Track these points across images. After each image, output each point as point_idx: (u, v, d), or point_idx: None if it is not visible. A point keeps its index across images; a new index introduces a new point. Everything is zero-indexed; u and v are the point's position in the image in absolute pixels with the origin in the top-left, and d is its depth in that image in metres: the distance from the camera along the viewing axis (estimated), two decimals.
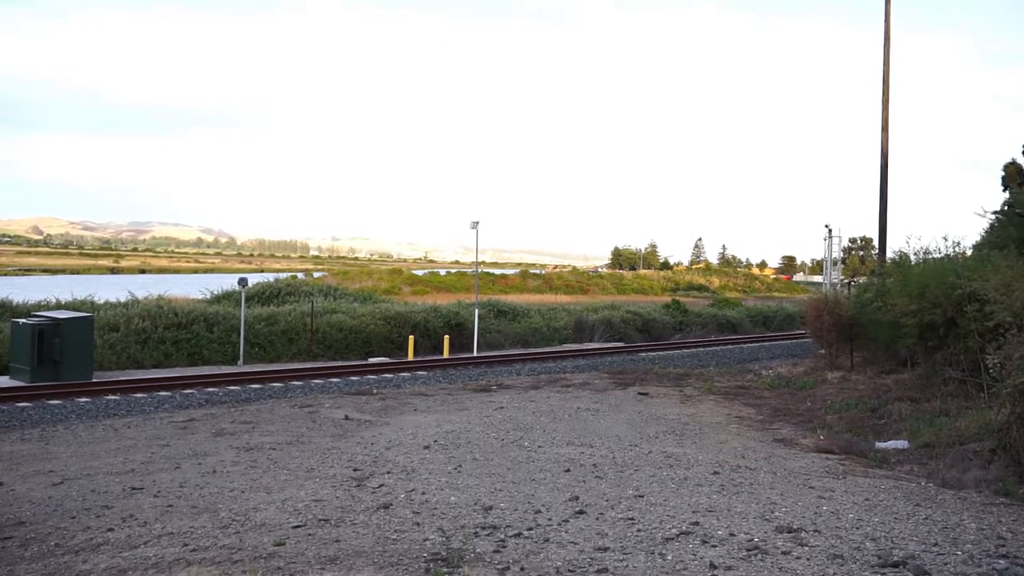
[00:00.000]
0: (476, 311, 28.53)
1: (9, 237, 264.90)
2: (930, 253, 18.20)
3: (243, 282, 25.41)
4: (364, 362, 23.20)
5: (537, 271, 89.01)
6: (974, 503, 8.01)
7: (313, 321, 25.57)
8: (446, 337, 26.94)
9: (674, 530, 6.60)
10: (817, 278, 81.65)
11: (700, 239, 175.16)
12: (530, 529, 6.62)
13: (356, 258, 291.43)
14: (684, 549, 6.09)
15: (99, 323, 21.35)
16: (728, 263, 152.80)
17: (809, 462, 10.16)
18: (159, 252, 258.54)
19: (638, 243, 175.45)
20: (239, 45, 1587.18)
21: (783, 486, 8.51)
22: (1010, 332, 9.87)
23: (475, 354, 26.03)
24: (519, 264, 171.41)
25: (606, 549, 6.07)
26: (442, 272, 77.64)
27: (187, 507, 7.38)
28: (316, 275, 66.75)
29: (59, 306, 23.66)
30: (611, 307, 39.24)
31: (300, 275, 63.29)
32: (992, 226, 19.41)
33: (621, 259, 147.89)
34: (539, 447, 10.69)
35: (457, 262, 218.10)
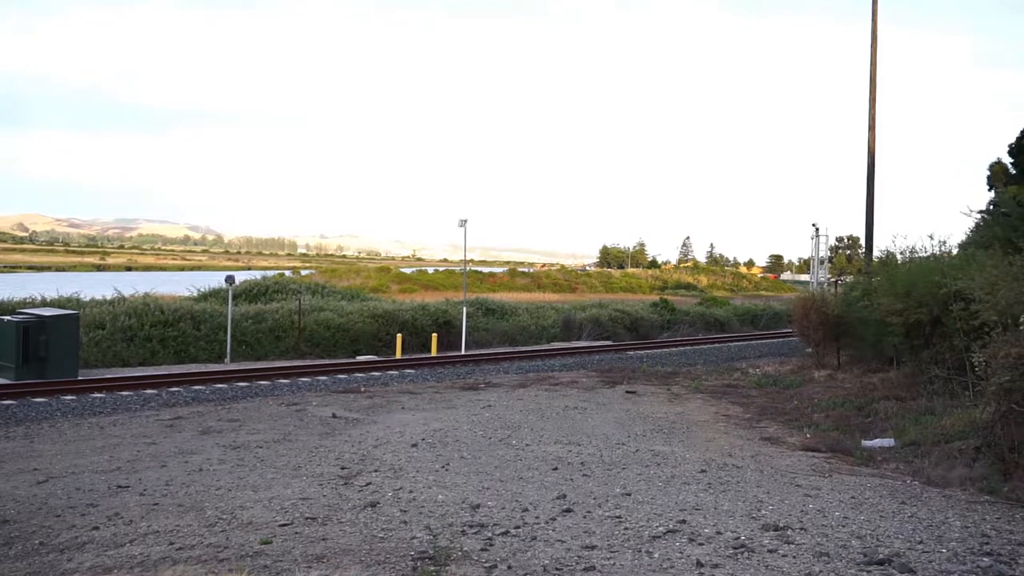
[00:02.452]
0: (464, 309, 28.49)
1: None
2: (916, 252, 18.24)
3: (230, 280, 25.31)
4: (352, 360, 23.12)
5: (525, 269, 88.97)
6: (959, 501, 8.07)
7: (301, 319, 25.49)
8: (434, 335, 26.91)
9: (661, 528, 6.62)
10: (804, 277, 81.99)
11: (688, 238, 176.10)
12: (517, 527, 6.62)
13: (344, 256, 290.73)
14: (671, 547, 6.11)
15: (85, 320, 21.20)
16: (716, 262, 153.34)
17: (796, 460, 10.21)
18: (146, 249, 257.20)
19: (626, 242, 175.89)
20: (227, 42, 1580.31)
21: (770, 484, 8.55)
22: (995, 331, 9.93)
23: (463, 352, 25.99)
24: (507, 262, 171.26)
25: (593, 547, 6.08)
26: (430, 270, 77.70)
27: (173, 505, 7.34)
28: (304, 273, 66.56)
29: (44, 303, 23.48)
30: (599, 305, 39.26)
31: (288, 273, 63.13)
32: (978, 225, 19.58)
33: (609, 258, 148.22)
34: (527, 445, 10.69)
35: (446, 260, 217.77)
